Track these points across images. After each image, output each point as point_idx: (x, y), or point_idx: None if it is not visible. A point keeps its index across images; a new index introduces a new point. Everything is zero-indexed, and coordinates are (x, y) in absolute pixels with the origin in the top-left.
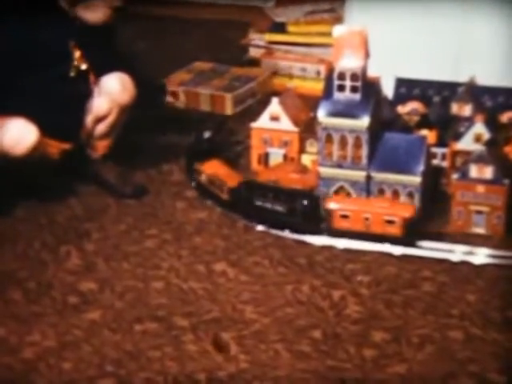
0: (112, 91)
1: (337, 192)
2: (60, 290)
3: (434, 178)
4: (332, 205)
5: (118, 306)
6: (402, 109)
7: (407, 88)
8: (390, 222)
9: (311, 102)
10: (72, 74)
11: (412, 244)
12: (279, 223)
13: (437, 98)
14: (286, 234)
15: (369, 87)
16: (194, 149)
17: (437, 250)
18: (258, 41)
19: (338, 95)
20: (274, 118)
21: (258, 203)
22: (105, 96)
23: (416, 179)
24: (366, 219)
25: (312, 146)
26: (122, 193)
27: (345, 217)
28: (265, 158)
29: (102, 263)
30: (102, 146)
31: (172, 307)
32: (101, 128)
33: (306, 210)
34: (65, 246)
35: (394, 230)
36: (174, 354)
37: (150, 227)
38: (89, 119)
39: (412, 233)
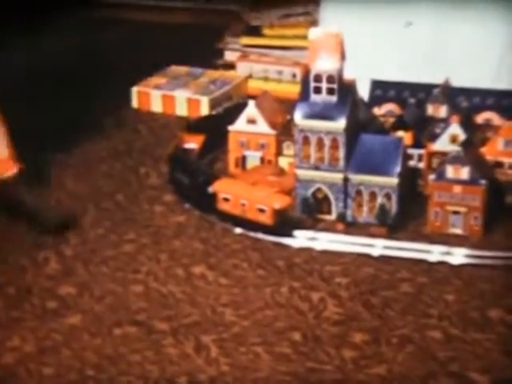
0: None
1: (314, 194)
2: (39, 294)
3: (410, 179)
4: (215, 186)
5: (98, 310)
6: (378, 111)
7: (383, 90)
8: (262, 211)
9: (287, 105)
10: None
11: (284, 234)
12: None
13: (412, 100)
14: (265, 236)
15: (345, 89)
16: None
17: (414, 251)
18: (233, 44)
19: (314, 97)
20: (251, 121)
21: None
22: None
23: (393, 180)
24: (243, 205)
25: (289, 149)
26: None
27: (226, 200)
28: (242, 161)
29: (80, 268)
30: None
31: (151, 311)
32: None
33: (203, 185)
34: (43, 251)
35: (265, 219)
36: (154, 358)
37: (129, 231)
38: None
39: (285, 223)
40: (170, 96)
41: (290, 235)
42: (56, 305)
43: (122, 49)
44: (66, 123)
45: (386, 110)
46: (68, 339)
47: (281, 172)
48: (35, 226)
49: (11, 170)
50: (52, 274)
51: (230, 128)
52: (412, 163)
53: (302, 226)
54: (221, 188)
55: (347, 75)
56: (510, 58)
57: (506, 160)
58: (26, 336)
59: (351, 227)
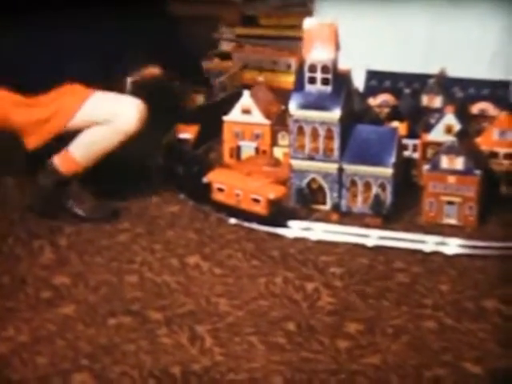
0: (127, 128)
1: (309, 184)
2: (33, 284)
3: (405, 169)
4: (210, 176)
5: (92, 300)
6: (373, 101)
7: (378, 80)
8: (256, 201)
9: (282, 95)
10: None
11: (279, 224)
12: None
13: (407, 90)
14: (259, 226)
15: (340, 79)
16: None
17: (409, 241)
18: (228, 34)
19: (309, 88)
20: (246, 111)
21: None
22: (116, 127)
23: (387, 171)
24: (237, 195)
25: (284, 139)
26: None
27: (221, 190)
28: (237, 152)
29: (75, 258)
30: (75, 166)
31: (146, 301)
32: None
33: (197, 175)
34: (38, 240)
35: (260, 209)
36: (148, 348)
37: (123, 221)
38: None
39: (279, 213)
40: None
41: (284, 225)
42: (50, 295)
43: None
44: None
45: (381, 101)
46: (62, 329)
47: (275, 162)
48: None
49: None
50: (46, 264)
51: (225, 118)
52: (407, 153)
53: (296, 216)
54: (215, 178)
55: (342, 65)
56: (504, 48)
57: (500, 150)
58: (20, 326)
59: (346, 217)
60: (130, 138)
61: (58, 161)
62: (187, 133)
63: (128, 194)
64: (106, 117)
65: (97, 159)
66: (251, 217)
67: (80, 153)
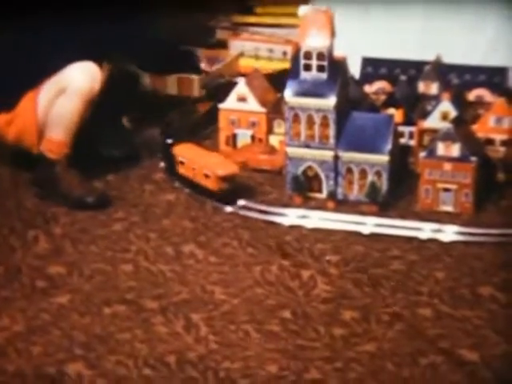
0: (79, 87)
1: (305, 172)
2: (28, 274)
3: (401, 156)
4: (175, 149)
5: (87, 289)
6: (369, 88)
7: (374, 67)
8: (207, 176)
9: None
10: None
11: (229, 202)
12: None
13: (403, 77)
14: (255, 214)
15: (335, 66)
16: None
17: (405, 228)
18: (224, 22)
19: (304, 75)
20: (242, 99)
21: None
22: (70, 92)
23: (383, 158)
24: (193, 169)
25: (280, 127)
26: (83, 203)
27: (182, 163)
28: (233, 140)
29: (69, 247)
30: (57, 146)
31: (141, 290)
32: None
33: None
34: (32, 230)
35: (210, 184)
36: (143, 337)
37: (118, 210)
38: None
39: (229, 191)
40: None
41: (233, 203)
42: (45, 284)
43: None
44: None
45: (377, 88)
46: (57, 318)
47: (271, 150)
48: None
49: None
50: (41, 254)
51: (221, 106)
52: (403, 141)
53: (245, 195)
54: (179, 152)
55: (338, 52)
56: (501, 34)
57: (497, 137)
58: (15, 315)
59: (342, 205)
60: (91, 99)
61: (42, 147)
62: None
63: (122, 183)
64: (63, 85)
65: (72, 130)
66: (204, 191)
67: (55, 132)
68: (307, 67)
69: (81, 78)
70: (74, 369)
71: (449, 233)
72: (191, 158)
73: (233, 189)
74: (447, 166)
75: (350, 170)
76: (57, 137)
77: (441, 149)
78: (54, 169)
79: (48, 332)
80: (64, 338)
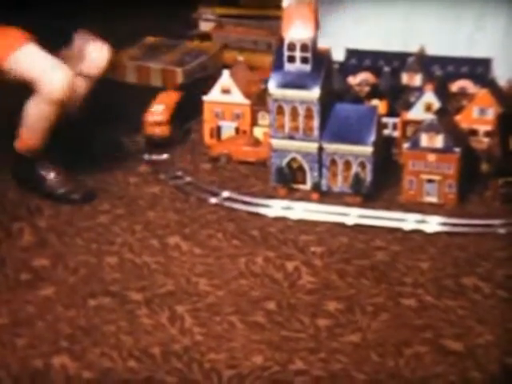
0: (50, 93)
1: (289, 163)
2: (13, 266)
3: (385, 147)
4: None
5: (72, 281)
6: (353, 79)
7: (357, 59)
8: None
9: (262, 75)
10: None
11: None
12: None
13: (387, 69)
14: (240, 206)
15: (319, 58)
16: None
17: (389, 220)
18: (208, 14)
19: (288, 66)
20: (226, 91)
21: None
22: (41, 96)
23: (367, 149)
24: None
25: (264, 119)
26: (69, 199)
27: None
28: (217, 132)
29: (54, 239)
30: (28, 146)
31: (126, 282)
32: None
33: None
34: (17, 222)
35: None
36: (128, 329)
37: (103, 202)
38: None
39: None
40: (145, 67)
41: None
42: (30, 276)
43: (96, 20)
44: None
45: (360, 79)
46: (42, 311)
47: (256, 142)
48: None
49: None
50: (26, 246)
51: (205, 98)
52: (387, 132)
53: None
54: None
55: (322, 44)
56: (483, 26)
57: (480, 128)
58: (0, 308)
59: (326, 196)
60: (63, 105)
61: (17, 145)
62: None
63: (107, 175)
64: (32, 76)
65: (43, 133)
66: None
67: (25, 132)
68: (291, 59)
69: (54, 83)
70: (59, 361)
71: (433, 224)
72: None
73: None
74: (431, 157)
75: (334, 162)
76: (27, 137)
77: (424, 140)
78: (34, 167)
79: (33, 324)
80: (49, 330)
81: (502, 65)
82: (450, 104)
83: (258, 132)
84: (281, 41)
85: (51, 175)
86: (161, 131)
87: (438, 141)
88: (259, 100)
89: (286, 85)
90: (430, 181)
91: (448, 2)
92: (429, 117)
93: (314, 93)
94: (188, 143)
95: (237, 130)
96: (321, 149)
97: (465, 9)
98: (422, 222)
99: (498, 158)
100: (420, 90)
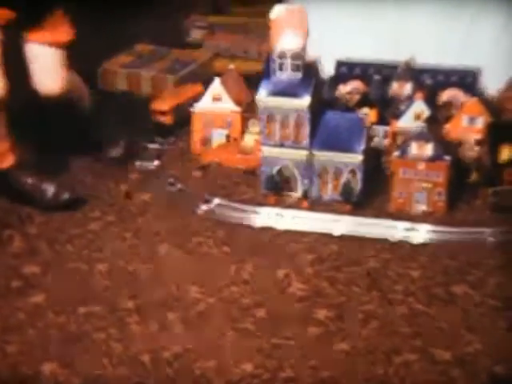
0: None
1: (280, 171)
2: (3, 274)
3: (375, 156)
4: None
5: (62, 288)
6: (343, 88)
7: (348, 68)
8: None
9: (253, 83)
10: None
11: None
12: None
13: (377, 77)
14: (230, 213)
15: (309, 67)
16: None
17: (379, 228)
18: (199, 22)
19: (278, 75)
20: (216, 99)
21: None
22: None
23: (357, 157)
24: None
25: (254, 126)
26: (58, 202)
27: None
28: (208, 139)
29: (45, 246)
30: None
31: (116, 289)
32: None
33: None
34: (7, 229)
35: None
36: (118, 336)
37: (94, 209)
38: None
39: None
40: (136, 74)
41: None
42: (20, 284)
43: (87, 27)
44: None
45: (351, 88)
46: (32, 318)
47: (246, 150)
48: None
49: (8, 162)
50: (16, 253)
51: (196, 105)
52: (376, 140)
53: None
54: None
55: (312, 53)
56: (473, 36)
57: (470, 137)
58: None
59: (316, 204)
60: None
61: None
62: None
63: (98, 182)
64: None
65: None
66: None
67: None
68: (281, 67)
69: None
70: (49, 367)
71: (422, 232)
72: None
73: None
74: (420, 166)
75: (324, 170)
76: None
77: (414, 148)
78: (7, 178)
79: (23, 331)
80: (39, 337)
81: (492, 74)
82: (440, 113)
83: (249, 139)
84: (271, 49)
85: (30, 183)
86: (165, 120)
87: (428, 149)
88: (250, 108)
89: (276, 93)
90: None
91: (438, 11)
92: (418, 125)
93: (305, 101)
94: (179, 150)
95: (227, 138)
96: (311, 157)
97: (455, 19)
98: (412, 229)
99: (488, 167)
100: (410, 99)
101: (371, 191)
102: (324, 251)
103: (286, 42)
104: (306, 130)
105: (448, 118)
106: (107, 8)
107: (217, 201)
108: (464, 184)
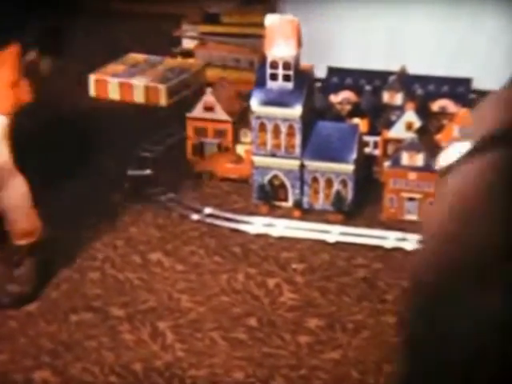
0: None
1: (271, 181)
2: None
3: (366, 166)
4: None
5: (54, 296)
6: (335, 98)
7: (339, 77)
8: None
9: (244, 92)
10: None
11: None
12: None
13: (368, 87)
14: (221, 222)
15: (301, 76)
16: None
17: (370, 237)
18: (191, 32)
19: (270, 84)
20: (208, 108)
21: None
22: None
23: (349, 167)
24: None
25: (246, 136)
26: None
27: None
28: (200, 149)
29: None
30: None
31: (108, 297)
32: None
33: None
34: None
35: None
36: (110, 344)
37: (86, 218)
38: None
39: None
40: (128, 84)
41: None
42: None
43: (80, 37)
44: None
45: (342, 98)
46: (24, 326)
47: (238, 159)
48: None
49: None
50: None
51: (188, 115)
52: (368, 150)
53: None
54: None
55: (304, 62)
56: (465, 46)
57: None
58: None
59: (308, 214)
60: None
61: None
62: None
63: (90, 191)
64: None
65: None
66: None
67: None
68: (273, 77)
69: None
70: (41, 376)
71: (413, 241)
72: None
73: None
74: (412, 176)
75: (315, 179)
76: None
77: (405, 158)
78: None
79: (15, 339)
80: (31, 345)
81: (484, 83)
82: (431, 123)
83: (241, 149)
84: (263, 58)
85: None
86: None
87: (419, 159)
88: (242, 117)
89: (268, 102)
90: (410, 199)
91: (430, 21)
92: (409, 135)
93: (297, 110)
94: (171, 160)
95: (219, 147)
96: (302, 166)
97: (447, 28)
98: (403, 239)
99: None
100: (401, 109)
101: (363, 200)
102: (315, 261)
103: (277, 51)
104: (297, 139)
105: (439, 128)
106: (101, 19)
107: (208, 210)
108: None
